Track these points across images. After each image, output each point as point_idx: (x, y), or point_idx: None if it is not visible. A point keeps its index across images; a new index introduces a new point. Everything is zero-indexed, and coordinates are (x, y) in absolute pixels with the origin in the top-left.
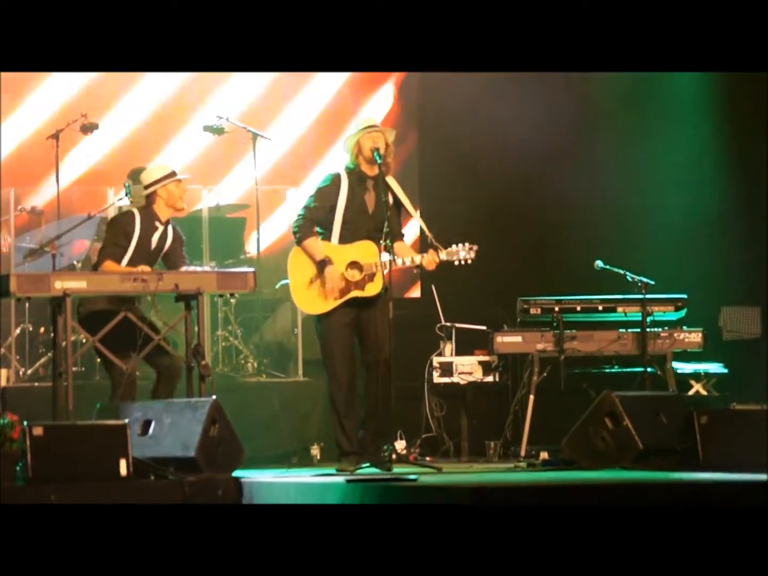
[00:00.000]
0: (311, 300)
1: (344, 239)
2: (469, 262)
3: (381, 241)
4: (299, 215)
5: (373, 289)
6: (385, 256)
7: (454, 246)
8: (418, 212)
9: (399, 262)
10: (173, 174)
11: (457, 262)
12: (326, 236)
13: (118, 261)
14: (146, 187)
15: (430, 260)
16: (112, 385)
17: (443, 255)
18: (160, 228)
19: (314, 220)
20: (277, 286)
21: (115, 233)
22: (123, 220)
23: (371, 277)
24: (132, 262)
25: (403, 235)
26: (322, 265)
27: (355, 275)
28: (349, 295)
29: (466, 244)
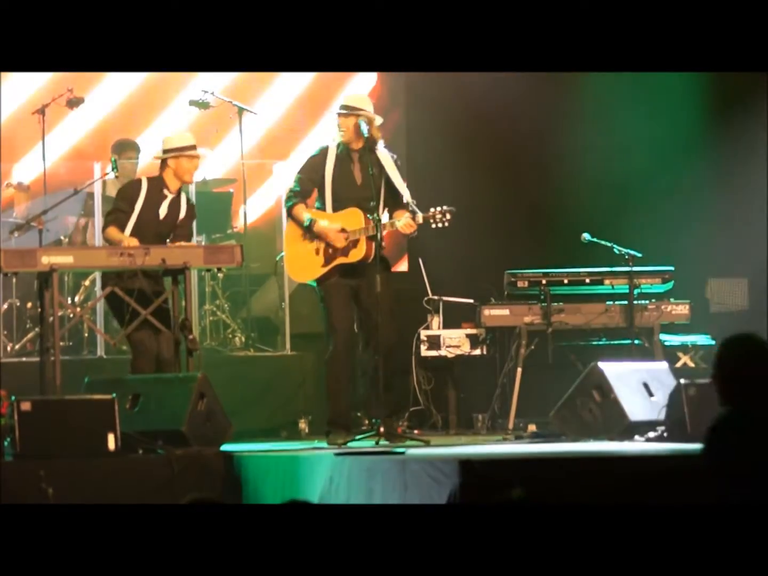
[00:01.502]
0: (301, 267)
1: (336, 210)
2: (446, 225)
3: (370, 215)
4: (288, 188)
5: (356, 255)
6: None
7: (431, 209)
8: (405, 183)
9: (379, 230)
10: (189, 148)
11: (434, 225)
12: (322, 209)
13: (122, 226)
14: (164, 152)
15: (406, 224)
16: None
17: (419, 218)
18: (169, 196)
19: (304, 192)
20: (277, 258)
21: (119, 199)
22: (129, 186)
23: (354, 243)
24: (138, 229)
25: (405, 203)
26: (310, 227)
27: (336, 244)
28: (335, 261)
29: (444, 207)
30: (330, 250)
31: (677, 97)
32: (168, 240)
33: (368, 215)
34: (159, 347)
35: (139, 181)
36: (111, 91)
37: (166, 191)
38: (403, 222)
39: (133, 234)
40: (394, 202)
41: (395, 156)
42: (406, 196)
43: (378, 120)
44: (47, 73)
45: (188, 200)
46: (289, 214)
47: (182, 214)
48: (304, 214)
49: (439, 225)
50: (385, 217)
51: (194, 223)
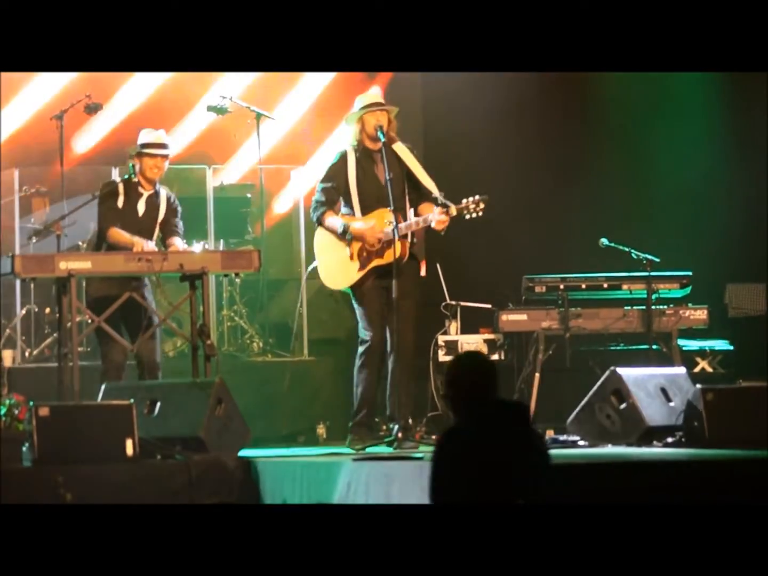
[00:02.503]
0: (338, 275)
1: (365, 213)
2: (481, 214)
3: (389, 220)
4: (314, 200)
5: (391, 255)
6: (402, 228)
7: (464, 200)
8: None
9: (410, 224)
10: (151, 146)
11: (468, 216)
12: (351, 214)
13: (119, 224)
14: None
15: (439, 219)
16: (106, 368)
17: (453, 211)
18: (145, 194)
19: (329, 200)
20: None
21: (103, 200)
22: (107, 189)
23: (389, 244)
24: (124, 228)
25: (431, 195)
26: (345, 232)
27: (374, 244)
28: (370, 264)
29: (477, 196)
30: (365, 254)
31: (697, 101)
32: (157, 238)
33: (399, 214)
34: (140, 352)
35: (113, 182)
36: (129, 96)
37: (141, 189)
38: (436, 218)
39: (119, 227)
40: (419, 195)
41: (410, 146)
42: (434, 189)
43: (393, 110)
44: (65, 79)
45: (168, 196)
46: (320, 224)
47: (162, 210)
48: (337, 220)
49: (473, 215)
50: (411, 216)
51: (180, 217)
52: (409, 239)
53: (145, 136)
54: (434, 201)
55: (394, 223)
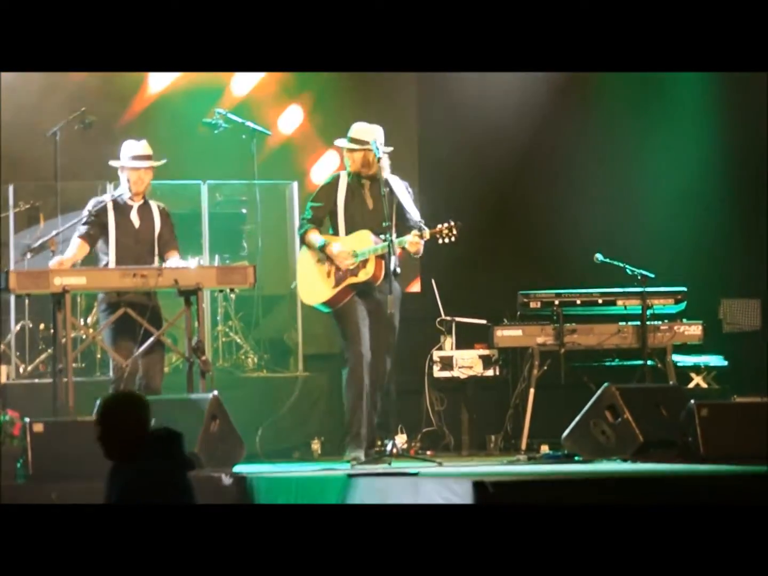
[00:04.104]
0: (312, 290)
1: (348, 235)
2: (454, 239)
3: (382, 235)
4: (302, 217)
5: (365, 274)
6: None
7: (438, 225)
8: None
9: (391, 249)
10: (136, 158)
11: (441, 241)
12: (335, 234)
13: (93, 242)
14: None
15: (411, 242)
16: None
17: (426, 234)
18: (135, 205)
19: (316, 219)
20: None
21: (89, 219)
22: (98, 206)
23: (364, 264)
24: (123, 244)
25: (414, 223)
26: (323, 248)
27: (350, 263)
28: (345, 282)
29: (450, 222)
30: (340, 272)
31: (692, 120)
32: (156, 255)
33: (380, 235)
34: (146, 373)
35: (102, 200)
36: (125, 111)
37: (130, 201)
38: (409, 239)
39: (115, 247)
40: (405, 226)
41: (407, 183)
42: (416, 217)
43: (387, 149)
44: (61, 94)
45: (160, 207)
46: (303, 241)
47: (157, 222)
48: (317, 238)
49: (446, 240)
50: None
51: (174, 230)
52: (388, 262)
53: (128, 148)
54: (413, 227)
55: (389, 238)
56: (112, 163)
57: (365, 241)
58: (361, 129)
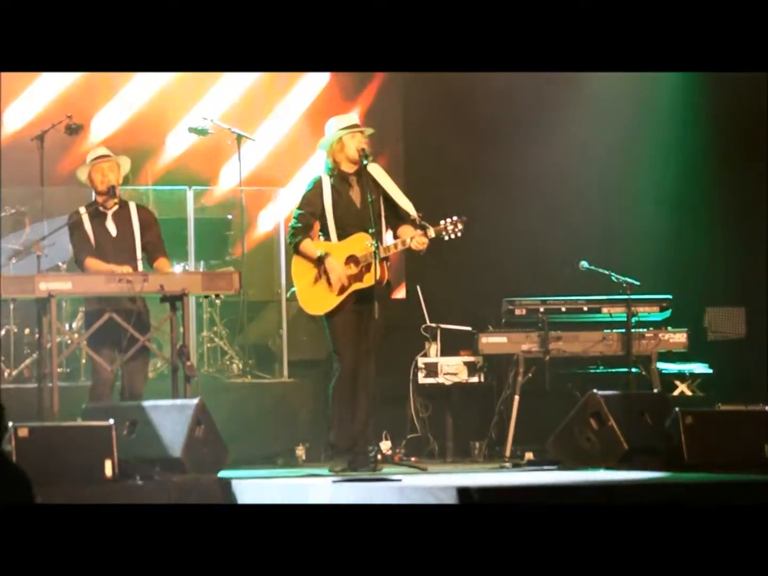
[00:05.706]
0: (316, 300)
1: (341, 237)
2: (459, 235)
3: (374, 241)
4: (290, 226)
5: (370, 278)
6: (382, 250)
7: (441, 221)
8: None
9: (388, 247)
10: (96, 159)
11: (446, 237)
12: (327, 239)
13: (94, 255)
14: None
15: (417, 241)
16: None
17: (431, 232)
18: (109, 212)
19: (305, 227)
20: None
21: (72, 231)
22: (73, 219)
23: (368, 268)
24: (102, 252)
25: (409, 217)
26: (321, 260)
27: (352, 269)
28: (350, 289)
29: (455, 217)
30: (347, 275)
31: (679, 123)
32: (139, 259)
33: (373, 239)
34: (129, 381)
35: (76, 211)
36: (111, 117)
37: (101, 208)
38: (415, 240)
39: (95, 256)
40: (397, 218)
41: (385, 167)
42: (411, 210)
43: (368, 131)
44: (46, 99)
45: (139, 208)
46: (297, 252)
47: (136, 227)
48: (314, 248)
49: (452, 236)
50: (389, 238)
51: (160, 231)
52: (374, 265)
53: (89, 156)
54: (413, 223)
55: (375, 245)
56: (78, 174)
57: (365, 245)
58: (344, 116)
